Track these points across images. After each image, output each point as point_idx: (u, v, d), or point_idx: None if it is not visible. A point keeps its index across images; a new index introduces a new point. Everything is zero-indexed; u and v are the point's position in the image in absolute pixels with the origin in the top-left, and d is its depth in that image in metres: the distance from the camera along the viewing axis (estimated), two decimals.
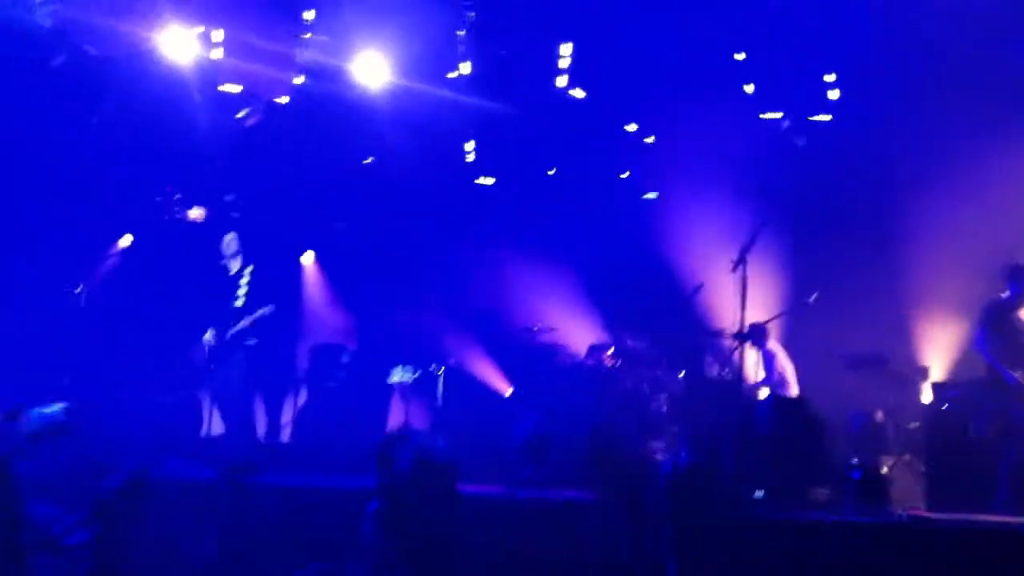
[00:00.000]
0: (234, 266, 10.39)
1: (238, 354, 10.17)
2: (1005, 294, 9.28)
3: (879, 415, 10.05)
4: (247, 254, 10.57)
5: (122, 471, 5.27)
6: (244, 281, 10.30)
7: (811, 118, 12.42)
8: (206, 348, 10.23)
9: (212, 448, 10.16)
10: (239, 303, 10.19)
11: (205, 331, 10.24)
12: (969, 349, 10.19)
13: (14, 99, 10.99)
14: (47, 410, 6.25)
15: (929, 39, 11.00)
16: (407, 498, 4.40)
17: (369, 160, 13.60)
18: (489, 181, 14.04)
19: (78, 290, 10.69)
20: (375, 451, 5.41)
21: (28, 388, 10.34)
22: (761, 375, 10.80)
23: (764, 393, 10.67)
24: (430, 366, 12.28)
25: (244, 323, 10.13)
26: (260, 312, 10.20)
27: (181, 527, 7.33)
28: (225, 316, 10.21)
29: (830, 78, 11.99)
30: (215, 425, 10.50)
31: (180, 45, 11.21)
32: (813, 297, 10.46)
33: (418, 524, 4.36)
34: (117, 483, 5.00)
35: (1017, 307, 9.20)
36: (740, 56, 12.04)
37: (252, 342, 10.22)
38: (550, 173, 13.88)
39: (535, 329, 12.30)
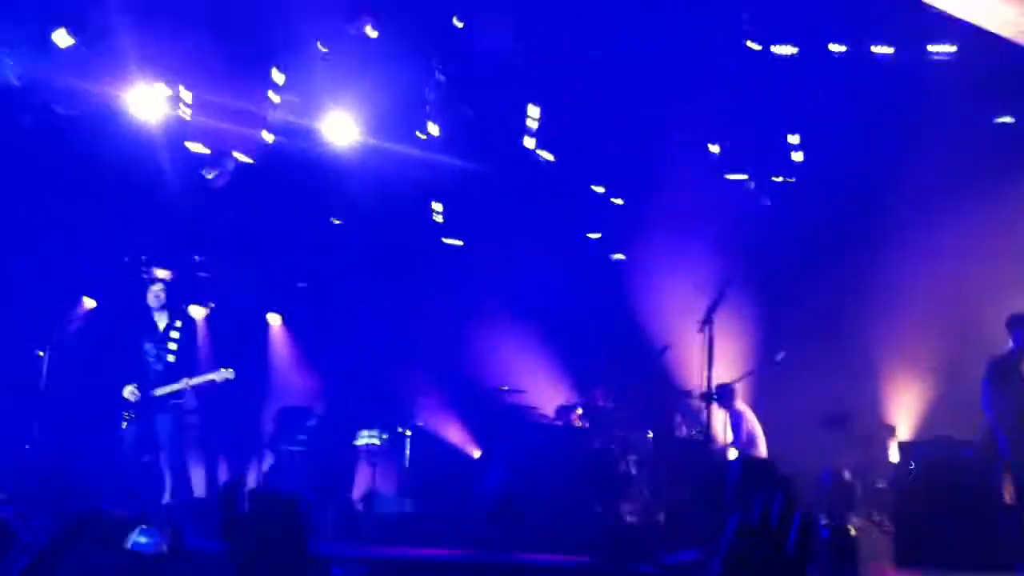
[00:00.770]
0: (161, 321, 10.06)
1: (166, 414, 9.85)
2: (1007, 347, 8.95)
3: (847, 474, 10.03)
4: (218, 313, 10.38)
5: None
6: (174, 336, 10.04)
7: (775, 179, 12.59)
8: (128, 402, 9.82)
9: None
10: (170, 359, 9.91)
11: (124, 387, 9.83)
12: (933, 407, 10.25)
13: None
14: None
15: (890, 102, 11.18)
16: (249, 539, 4.21)
17: (337, 221, 13.58)
18: (457, 242, 14.07)
19: (41, 353, 10.48)
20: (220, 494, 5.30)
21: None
22: (729, 436, 10.79)
23: (732, 454, 10.65)
24: (397, 428, 12.21)
25: (182, 384, 9.85)
26: (215, 376, 9.93)
27: None
28: (149, 373, 9.86)
29: (794, 139, 12.15)
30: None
31: (148, 104, 11.18)
32: (779, 356, 10.51)
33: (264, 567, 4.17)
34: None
35: (1020, 359, 8.84)
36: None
37: (183, 402, 9.93)
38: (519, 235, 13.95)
39: (503, 390, 12.24)
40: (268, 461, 12.19)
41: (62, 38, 10.29)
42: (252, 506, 4.18)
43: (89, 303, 12.43)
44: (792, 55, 10.99)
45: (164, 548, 5.98)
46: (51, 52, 10.56)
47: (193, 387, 9.96)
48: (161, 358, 9.91)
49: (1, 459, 10.17)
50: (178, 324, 10.04)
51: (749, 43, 10.95)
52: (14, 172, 11.21)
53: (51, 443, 10.46)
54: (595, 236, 13.92)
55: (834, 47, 10.79)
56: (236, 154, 12.28)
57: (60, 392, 10.64)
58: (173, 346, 9.94)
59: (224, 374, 10.02)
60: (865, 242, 12.12)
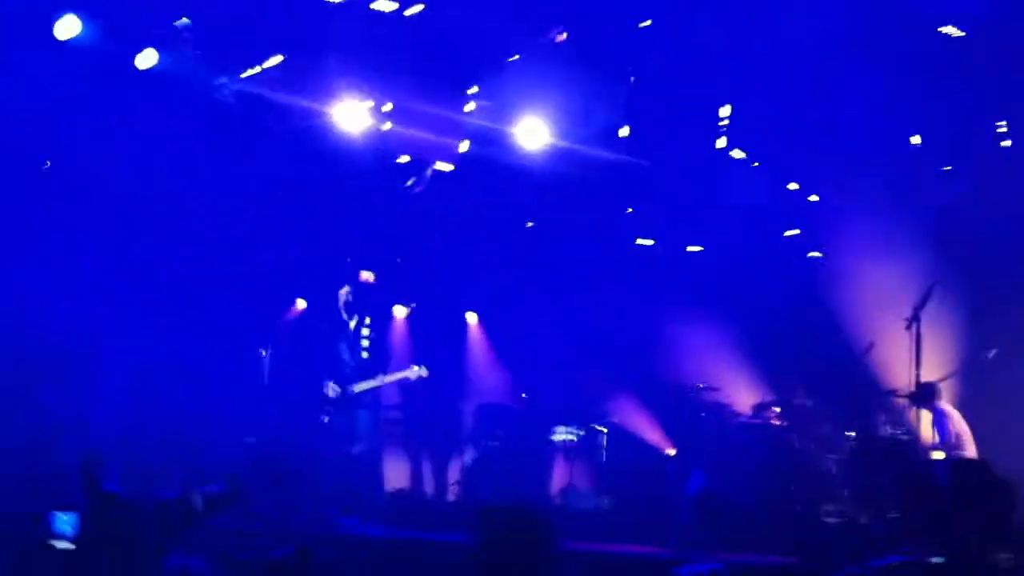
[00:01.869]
0: (352, 320, 10.46)
1: (365, 409, 10.29)
2: None
3: None
4: (420, 313, 10.68)
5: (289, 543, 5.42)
6: (365, 333, 10.43)
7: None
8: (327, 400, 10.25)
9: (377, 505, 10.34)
10: (364, 355, 10.29)
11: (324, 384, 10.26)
12: None
13: (198, 170, 11.67)
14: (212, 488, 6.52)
15: None
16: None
17: (530, 224, 13.87)
18: (648, 242, 14.12)
19: (264, 352, 11.14)
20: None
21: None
22: (935, 436, 10.42)
23: (939, 455, 10.29)
24: (593, 425, 12.37)
25: (377, 381, 10.20)
26: (408, 373, 10.27)
27: None
28: (345, 370, 10.28)
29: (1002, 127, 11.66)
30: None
31: (352, 117, 11.73)
32: (990, 353, 10.10)
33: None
34: (282, 555, 5.12)
35: None
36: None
37: (382, 397, 10.33)
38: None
39: (699, 388, 12.21)
40: (470, 455, 12.56)
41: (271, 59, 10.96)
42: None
43: (301, 304, 13.11)
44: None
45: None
46: (264, 72, 11.28)
47: (388, 383, 10.35)
48: (355, 356, 10.36)
49: (227, 452, 10.86)
50: (368, 321, 10.46)
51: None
52: (234, 181, 11.92)
53: (271, 438, 11.07)
54: (792, 233, 13.68)
55: None
56: (436, 163, 12.76)
57: (279, 389, 11.27)
58: (365, 343, 10.39)
59: (418, 371, 10.38)
60: None
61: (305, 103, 11.77)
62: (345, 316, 10.54)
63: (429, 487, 12.27)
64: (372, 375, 10.35)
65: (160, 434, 11.15)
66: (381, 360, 10.58)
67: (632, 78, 11.88)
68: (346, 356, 10.41)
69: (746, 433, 11.02)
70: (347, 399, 10.27)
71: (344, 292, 10.58)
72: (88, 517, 6.27)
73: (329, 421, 10.31)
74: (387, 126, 11.92)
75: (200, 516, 6.16)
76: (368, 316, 10.59)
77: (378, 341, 10.61)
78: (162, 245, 11.80)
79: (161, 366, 11.74)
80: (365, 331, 10.53)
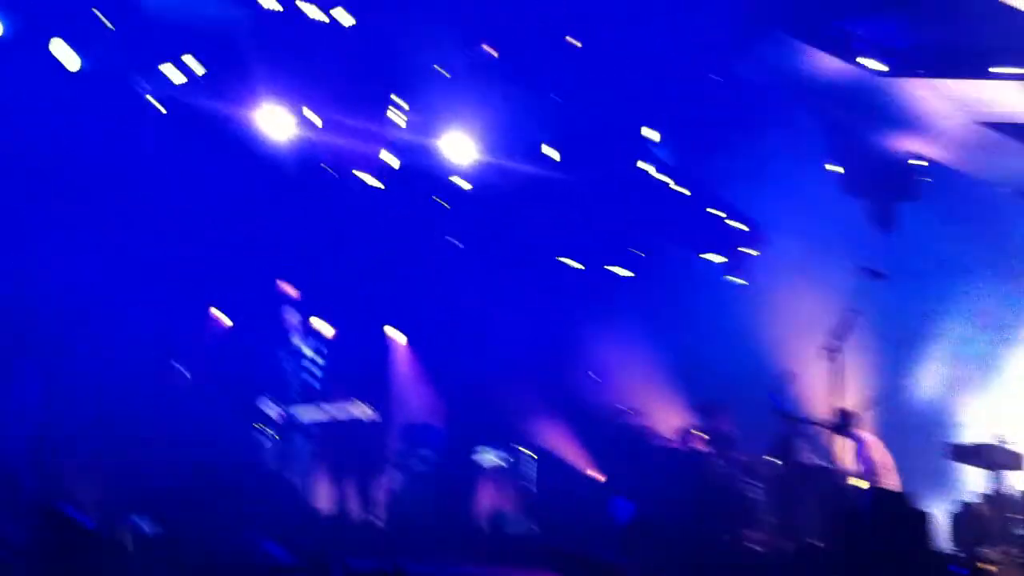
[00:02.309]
0: (296, 339, 10.29)
1: (301, 434, 10.12)
2: None
3: (981, 506, 9.79)
4: (343, 330, 10.54)
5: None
6: (308, 353, 10.24)
7: None
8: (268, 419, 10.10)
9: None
10: (305, 378, 10.12)
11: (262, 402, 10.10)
12: None
13: (124, 175, 11.39)
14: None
15: None
16: None
17: (458, 244, 13.84)
18: (578, 266, 14.18)
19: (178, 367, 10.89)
20: None
21: None
22: (857, 464, 10.59)
23: (862, 483, 10.46)
24: (520, 448, 12.34)
25: (325, 411, 10.05)
26: (356, 411, 10.11)
27: None
28: (291, 393, 10.12)
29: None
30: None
31: (276, 123, 11.59)
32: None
33: None
34: None
35: None
36: None
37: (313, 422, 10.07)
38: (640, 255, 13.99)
39: (626, 411, 12.27)
40: (393, 478, 12.42)
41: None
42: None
43: (225, 320, 12.85)
44: None
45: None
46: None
47: (331, 416, 10.16)
48: (295, 378, 10.17)
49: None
50: (312, 344, 10.27)
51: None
52: (148, 183, 11.65)
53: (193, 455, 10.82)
54: (718, 259, 13.85)
55: None
56: (360, 174, 12.65)
57: (203, 406, 11.03)
58: (310, 365, 10.20)
59: (367, 412, 10.13)
60: None
61: (230, 109, 11.62)
62: (293, 336, 10.35)
63: (355, 511, 12.09)
64: (314, 400, 10.13)
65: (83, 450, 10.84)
66: (316, 383, 10.35)
67: (556, 96, 11.86)
68: (286, 377, 10.23)
69: (671, 458, 11.08)
70: (286, 422, 10.08)
71: (287, 311, 10.39)
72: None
73: (265, 442, 10.10)
74: (312, 135, 11.76)
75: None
76: (304, 337, 10.38)
77: (314, 363, 10.37)
78: (83, 253, 11.47)
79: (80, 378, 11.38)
80: (308, 351, 10.31)
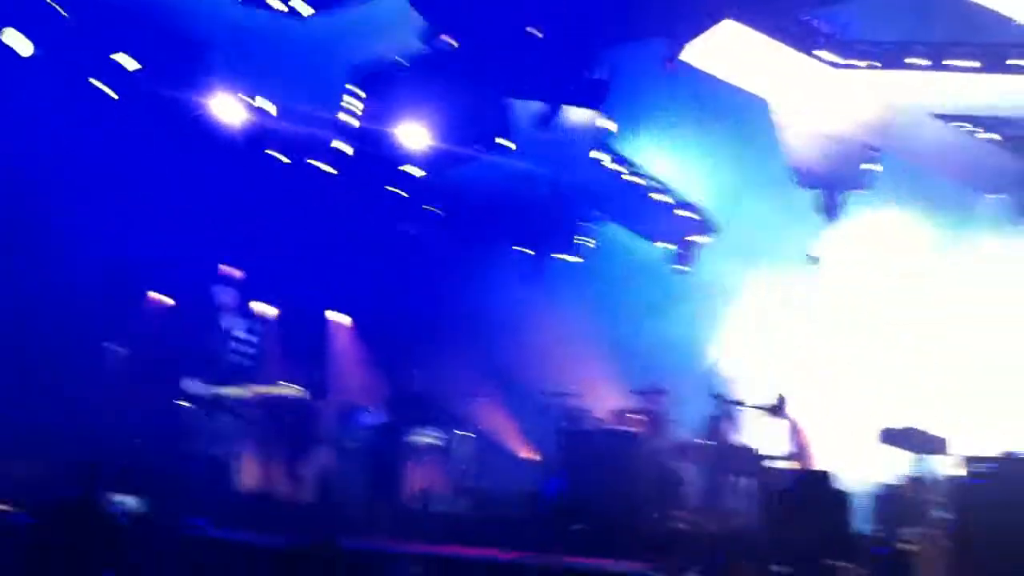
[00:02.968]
0: (227, 320, 10.19)
1: (226, 412, 10.03)
2: None
3: (905, 488, 9.95)
4: (284, 311, 10.37)
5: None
6: (240, 336, 10.12)
7: None
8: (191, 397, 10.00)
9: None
10: (234, 359, 10.00)
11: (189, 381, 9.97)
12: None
13: (73, 158, 11.24)
14: None
15: None
16: None
17: (408, 228, 13.85)
18: (529, 251, 14.27)
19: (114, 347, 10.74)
20: None
21: None
22: (785, 446, 10.75)
23: (787, 464, 10.62)
24: (454, 428, 12.35)
25: (247, 391, 9.95)
26: (284, 390, 10.00)
27: None
28: (218, 372, 10.02)
29: None
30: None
31: (232, 112, 11.49)
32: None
33: None
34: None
35: None
36: None
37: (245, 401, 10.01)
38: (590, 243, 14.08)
39: (560, 392, 12.33)
40: (327, 457, 12.37)
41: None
42: None
43: (166, 300, 12.74)
44: None
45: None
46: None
47: (259, 396, 10.04)
48: (224, 357, 10.03)
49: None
50: (246, 325, 10.14)
51: None
52: (109, 171, 11.52)
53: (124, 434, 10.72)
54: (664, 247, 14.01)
55: None
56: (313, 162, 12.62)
57: (135, 386, 10.91)
58: (235, 345, 10.06)
59: (295, 391, 10.02)
60: None
61: (184, 95, 11.53)
62: (225, 316, 10.20)
63: (286, 489, 12.02)
64: (240, 379, 9.99)
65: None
66: (248, 363, 10.21)
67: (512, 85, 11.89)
68: (214, 355, 10.07)
69: (606, 439, 11.14)
70: (213, 401, 9.93)
71: (219, 290, 10.23)
72: None
73: (192, 421, 9.96)
74: (266, 122, 11.70)
75: None
76: (238, 317, 10.24)
77: (247, 343, 10.22)
78: (33, 234, 11.31)
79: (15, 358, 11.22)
80: (238, 333, 10.16)
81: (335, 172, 12.89)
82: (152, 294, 12.73)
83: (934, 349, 11.81)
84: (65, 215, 11.38)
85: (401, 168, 13.13)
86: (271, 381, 10.21)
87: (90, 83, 11.16)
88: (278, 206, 13.07)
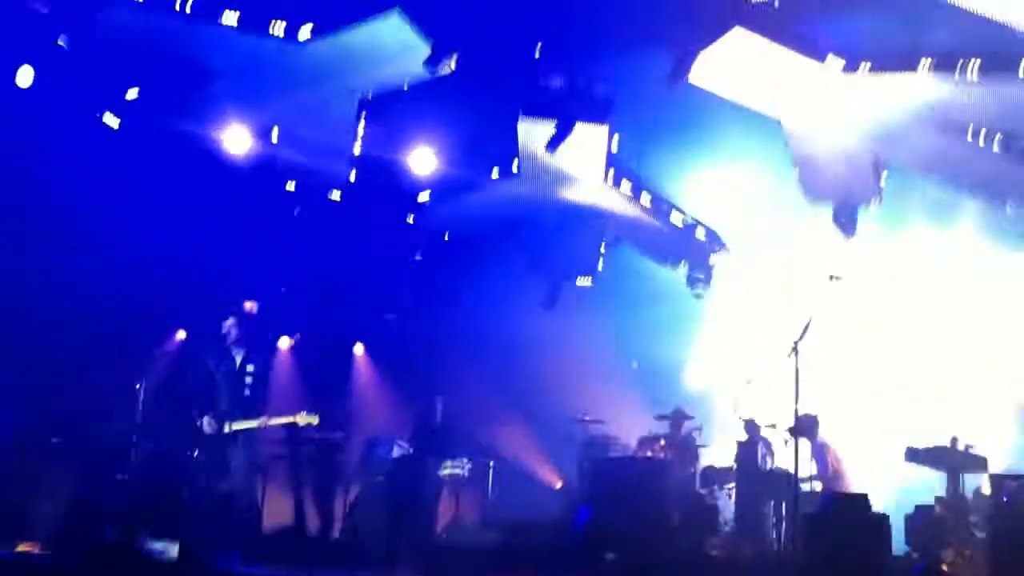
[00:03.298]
0: (237, 354, 10.02)
1: (238, 447, 9.81)
2: None
3: (938, 508, 9.86)
4: (305, 344, 10.29)
5: None
6: (250, 369, 10.04)
7: None
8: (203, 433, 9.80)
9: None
10: (246, 392, 9.87)
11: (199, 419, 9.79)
12: None
13: (83, 194, 11.29)
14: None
15: None
16: None
17: (418, 257, 13.85)
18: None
19: (138, 386, 10.73)
20: None
21: None
22: (814, 468, 10.65)
23: (817, 486, 10.53)
24: (481, 458, 12.30)
25: (259, 423, 9.77)
26: (296, 419, 9.86)
27: None
28: (223, 405, 9.84)
29: None
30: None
31: (238, 142, 11.54)
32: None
33: None
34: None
35: None
36: None
37: (258, 436, 9.92)
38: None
39: (584, 419, 12.28)
40: (353, 492, 12.33)
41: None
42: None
43: (180, 335, 12.76)
44: None
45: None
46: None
47: (271, 426, 9.93)
48: (236, 391, 9.94)
49: (98, 489, 10.44)
50: (250, 357, 10.03)
51: None
52: (118, 206, 11.56)
53: (142, 473, 10.71)
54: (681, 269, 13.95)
55: None
56: (321, 188, 12.63)
57: (153, 423, 10.89)
58: (248, 379, 9.95)
59: (307, 419, 9.93)
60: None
61: (192, 128, 11.58)
62: (233, 350, 10.13)
63: (313, 524, 11.99)
64: (254, 414, 9.91)
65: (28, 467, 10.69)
66: (263, 397, 10.13)
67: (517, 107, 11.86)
68: (225, 391, 9.97)
69: (631, 466, 11.08)
70: (222, 435, 9.85)
71: (229, 324, 10.16)
72: None
73: (201, 457, 9.87)
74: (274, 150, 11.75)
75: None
76: (251, 350, 10.16)
77: (261, 377, 10.13)
78: (41, 267, 11.34)
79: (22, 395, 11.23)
80: (249, 367, 10.07)
81: (344, 200, 12.87)
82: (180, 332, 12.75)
83: (964, 365, 11.69)
84: (77, 247, 11.44)
85: (412, 194, 13.12)
86: (288, 413, 10.10)
87: (96, 117, 11.22)
88: (291, 236, 13.09)
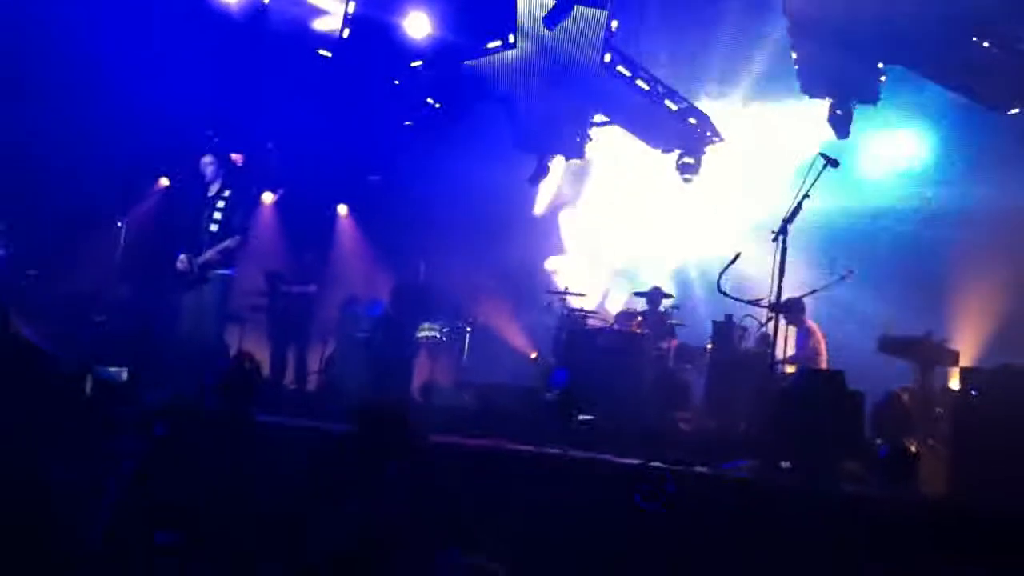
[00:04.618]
0: (212, 190, 9.84)
1: (209, 284, 9.62)
2: None
3: (905, 397, 10.00)
4: (289, 201, 10.18)
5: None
6: (220, 205, 9.93)
7: None
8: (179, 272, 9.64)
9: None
10: (213, 228, 9.66)
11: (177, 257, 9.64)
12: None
13: (69, 38, 11.01)
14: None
15: None
16: None
17: (408, 123, 13.65)
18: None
19: (119, 224, 10.66)
20: None
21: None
22: (791, 350, 10.73)
23: (791, 369, 10.63)
24: (458, 323, 12.36)
25: (210, 254, 9.56)
26: (225, 244, 9.62)
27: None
28: (200, 244, 9.66)
29: None
30: None
31: None
32: (846, 273, 10.42)
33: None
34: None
35: None
36: None
37: (225, 272, 9.68)
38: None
39: (565, 292, 12.32)
40: (331, 347, 12.39)
41: None
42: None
43: (164, 181, 12.63)
44: None
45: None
46: None
47: (218, 252, 9.79)
48: (207, 228, 9.85)
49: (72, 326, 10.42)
50: (226, 194, 9.91)
51: None
52: (106, 52, 11.30)
53: (123, 312, 10.69)
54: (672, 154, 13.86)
55: None
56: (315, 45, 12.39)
57: (134, 263, 10.85)
58: (218, 215, 9.84)
59: (235, 240, 9.78)
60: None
61: None
62: (210, 188, 10.00)
63: (290, 376, 12.08)
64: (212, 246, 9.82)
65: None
66: (229, 234, 9.99)
67: None
68: (201, 230, 9.87)
69: (608, 339, 11.17)
70: (196, 274, 9.78)
71: (206, 160, 10.00)
72: None
73: (180, 296, 9.84)
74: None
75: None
76: (227, 190, 10.01)
77: (231, 218, 9.99)
78: (32, 112, 11.13)
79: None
80: (220, 203, 9.94)
81: (335, 58, 12.60)
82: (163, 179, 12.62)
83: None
84: (70, 95, 11.21)
85: (405, 58, 12.86)
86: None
87: None
88: (280, 92, 12.85)
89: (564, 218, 15.23)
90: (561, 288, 12.57)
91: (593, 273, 13.89)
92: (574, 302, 12.17)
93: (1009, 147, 11.29)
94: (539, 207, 15.08)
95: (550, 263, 14.55)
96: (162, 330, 9.95)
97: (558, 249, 14.68)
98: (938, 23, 10.69)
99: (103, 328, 10.51)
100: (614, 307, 12.38)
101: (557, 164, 14.78)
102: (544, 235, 14.80)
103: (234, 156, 12.10)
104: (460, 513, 6.54)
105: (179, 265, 9.60)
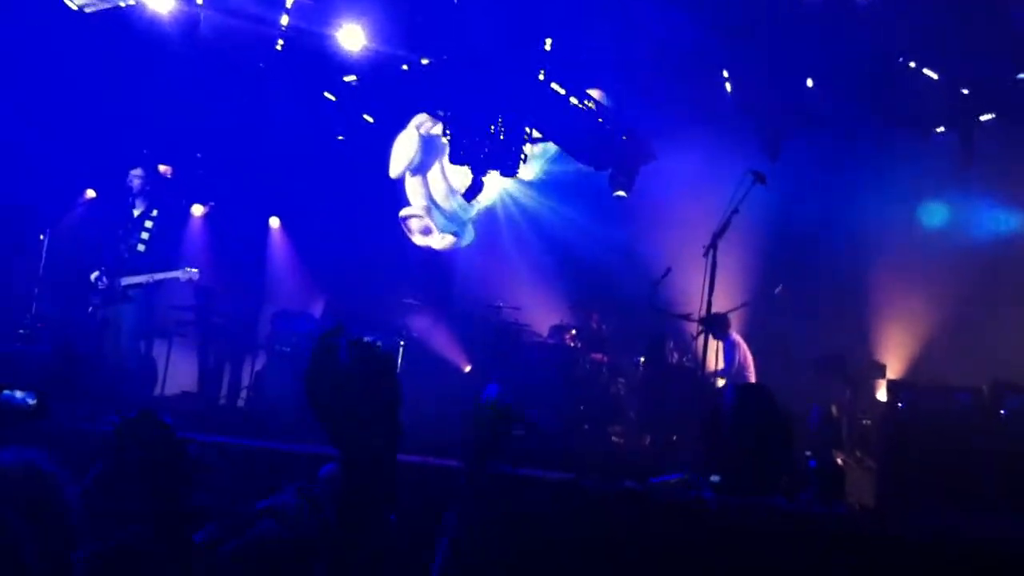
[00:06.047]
0: (138, 207, 9.73)
1: (130, 304, 9.56)
2: None
3: (834, 410, 10.12)
4: (219, 213, 10.09)
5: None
6: (148, 225, 9.78)
7: None
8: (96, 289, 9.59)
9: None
10: (140, 248, 9.61)
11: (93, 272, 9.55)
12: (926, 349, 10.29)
13: None
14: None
15: None
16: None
17: (341, 137, 13.53)
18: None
19: (42, 237, 10.40)
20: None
21: None
22: (720, 364, 10.82)
23: (721, 382, 10.71)
24: (391, 337, 12.25)
25: (146, 278, 9.48)
26: (178, 274, 9.58)
27: None
28: (121, 261, 9.58)
29: None
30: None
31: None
32: (778, 289, 10.52)
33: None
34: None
35: None
36: None
37: (151, 295, 9.67)
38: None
39: (499, 307, 12.29)
40: (261, 361, 12.21)
41: None
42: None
43: (91, 193, 12.38)
44: None
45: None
46: None
47: (157, 280, 9.67)
48: (131, 247, 9.68)
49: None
50: (154, 213, 9.75)
51: None
52: (31, 63, 11.06)
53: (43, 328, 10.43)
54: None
55: None
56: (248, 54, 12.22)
57: (56, 277, 10.59)
58: (145, 235, 9.69)
59: (189, 273, 9.70)
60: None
61: None
62: (136, 204, 9.81)
63: (220, 391, 11.87)
64: (146, 270, 9.63)
65: None
66: (161, 255, 9.82)
67: None
68: (123, 247, 9.67)
69: (541, 353, 11.15)
70: (115, 292, 9.58)
71: (135, 174, 9.82)
72: None
73: (97, 313, 9.64)
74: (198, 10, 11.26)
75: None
76: (156, 208, 9.83)
77: (160, 236, 9.81)
78: None
79: None
80: (148, 223, 9.77)
81: (269, 71, 12.46)
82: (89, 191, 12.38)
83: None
84: None
85: (339, 72, 12.75)
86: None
87: None
88: (212, 103, 12.67)
89: None
90: (497, 302, 12.51)
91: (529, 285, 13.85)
92: (509, 316, 12.13)
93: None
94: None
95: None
96: (80, 350, 9.69)
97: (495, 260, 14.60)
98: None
99: (14, 349, 10.20)
100: (550, 320, 12.32)
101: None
102: None
103: (162, 168, 11.93)
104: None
105: (95, 282, 9.41)
